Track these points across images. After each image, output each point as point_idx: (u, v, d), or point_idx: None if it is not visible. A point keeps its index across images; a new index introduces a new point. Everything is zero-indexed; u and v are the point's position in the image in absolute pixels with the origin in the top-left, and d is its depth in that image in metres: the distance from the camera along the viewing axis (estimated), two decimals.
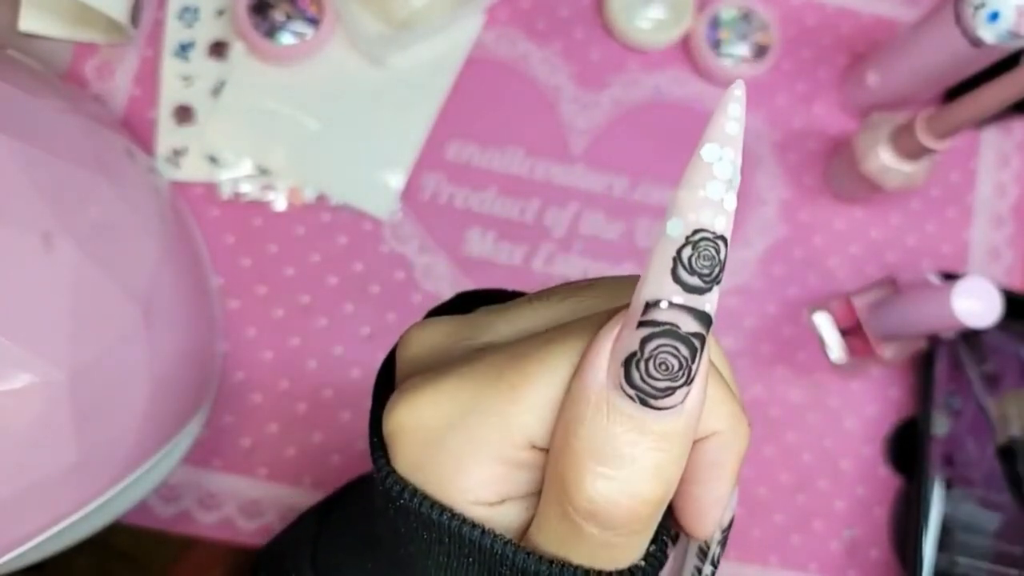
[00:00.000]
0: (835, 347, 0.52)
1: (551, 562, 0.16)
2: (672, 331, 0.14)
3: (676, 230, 0.14)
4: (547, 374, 0.16)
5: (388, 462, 0.18)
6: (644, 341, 0.15)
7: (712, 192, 0.14)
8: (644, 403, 0.15)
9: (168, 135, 0.50)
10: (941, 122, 0.44)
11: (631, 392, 0.15)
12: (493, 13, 0.54)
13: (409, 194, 0.51)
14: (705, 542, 0.19)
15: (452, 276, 0.51)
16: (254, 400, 0.49)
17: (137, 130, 0.50)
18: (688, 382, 0.15)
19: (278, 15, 0.49)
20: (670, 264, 0.14)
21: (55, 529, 0.34)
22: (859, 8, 0.57)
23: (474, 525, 0.17)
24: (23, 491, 0.32)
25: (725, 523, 0.19)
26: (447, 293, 0.51)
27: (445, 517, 0.17)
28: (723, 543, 0.19)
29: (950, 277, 0.47)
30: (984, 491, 0.49)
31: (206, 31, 0.51)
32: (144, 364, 0.36)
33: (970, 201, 0.56)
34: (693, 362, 0.15)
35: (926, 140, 0.45)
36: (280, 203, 0.50)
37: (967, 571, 0.48)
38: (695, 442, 0.17)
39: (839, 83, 0.56)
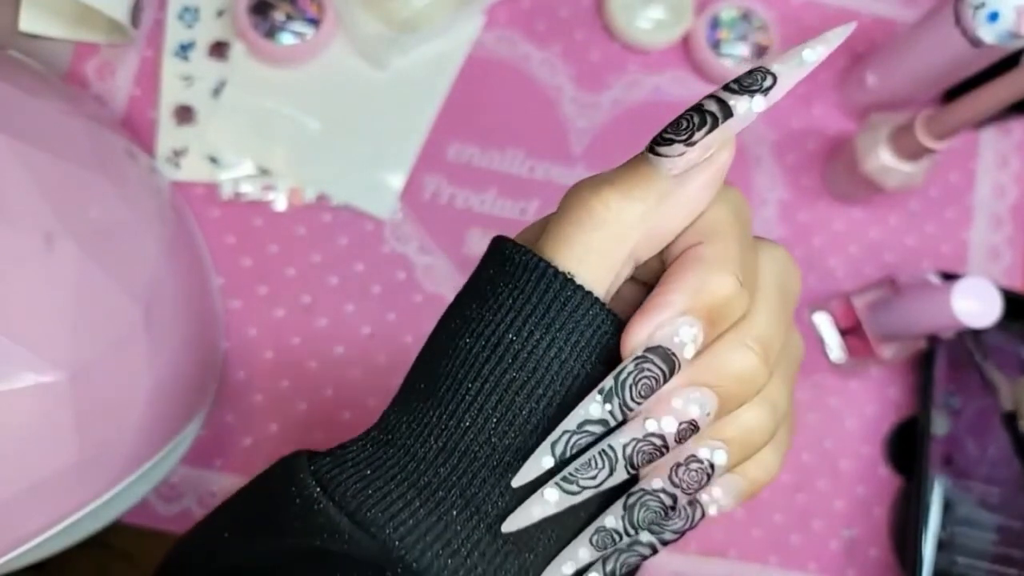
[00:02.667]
0: (835, 347, 0.52)
1: (515, 245, 0.19)
2: (701, 107, 0.18)
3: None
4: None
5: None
6: (689, 111, 0.18)
7: (782, 64, 0.18)
8: (651, 148, 0.18)
9: (169, 135, 0.50)
10: (940, 122, 0.44)
11: (654, 144, 0.18)
12: (493, 14, 0.54)
13: (410, 194, 0.52)
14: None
15: (453, 276, 0.51)
16: (255, 400, 0.49)
17: (138, 130, 0.50)
18: (686, 142, 0.18)
19: (278, 15, 0.49)
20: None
21: (56, 528, 0.34)
22: (859, 8, 0.57)
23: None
24: (24, 491, 0.32)
25: (684, 418, 0.18)
26: (448, 293, 0.51)
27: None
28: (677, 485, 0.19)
29: (949, 277, 0.47)
30: (984, 491, 0.50)
31: (206, 31, 0.51)
32: (145, 364, 0.36)
33: (969, 201, 0.56)
34: (699, 129, 0.18)
35: (925, 140, 0.45)
36: (281, 203, 0.50)
37: (966, 571, 0.48)
38: (673, 243, 0.19)
39: (838, 84, 0.56)
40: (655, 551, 0.20)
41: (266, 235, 0.50)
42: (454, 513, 0.19)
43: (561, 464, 0.18)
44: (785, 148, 0.55)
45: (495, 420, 0.18)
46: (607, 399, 0.17)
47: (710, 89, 0.55)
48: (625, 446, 0.18)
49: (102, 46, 0.50)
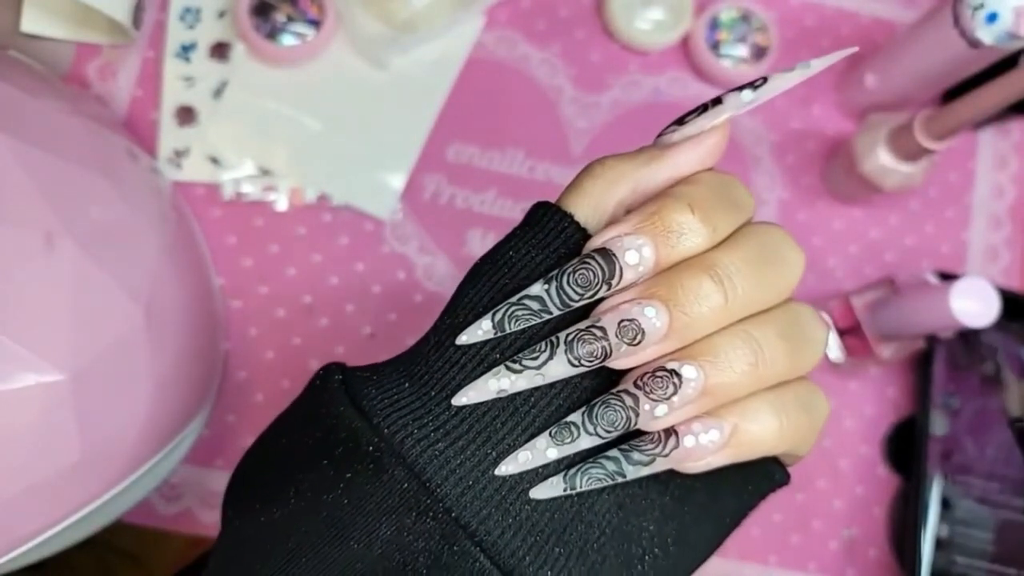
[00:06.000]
0: (834, 347, 0.52)
1: (541, 204, 0.22)
2: (707, 103, 0.21)
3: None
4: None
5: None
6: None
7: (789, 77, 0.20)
8: (661, 133, 0.22)
9: (170, 136, 0.50)
10: (939, 123, 0.44)
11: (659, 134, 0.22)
12: (493, 14, 0.54)
13: (410, 195, 0.52)
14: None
15: (453, 276, 0.51)
16: (256, 399, 0.49)
17: (139, 131, 0.50)
18: (678, 122, 0.21)
19: (279, 17, 0.49)
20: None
21: (57, 528, 0.34)
22: (858, 9, 0.57)
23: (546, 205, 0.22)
24: (25, 491, 0.32)
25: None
26: (448, 293, 0.51)
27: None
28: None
29: (948, 277, 0.47)
30: (983, 490, 0.50)
31: (207, 32, 0.51)
32: (146, 364, 0.37)
33: (968, 201, 0.56)
34: (689, 115, 0.21)
35: (924, 141, 0.45)
36: (281, 203, 0.50)
37: (965, 570, 0.49)
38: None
39: (837, 84, 0.56)
40: (622, 474, 0.20)
41: (267, 235, 0.50)
42: (432, 394, 0.21)
43: (504, 340, 0.21)
44: (785, 148, 0.55)
45: (481, 315, 0.21)
46: (547, 281, 0.20)
47: (709, 90, 0.56)
48: (568, 334, 0.20)
49: (104, 47, 0.51)
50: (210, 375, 0.45)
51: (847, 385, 0.53)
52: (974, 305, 0.43)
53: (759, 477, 0.23)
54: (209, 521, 0.48)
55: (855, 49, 0.20)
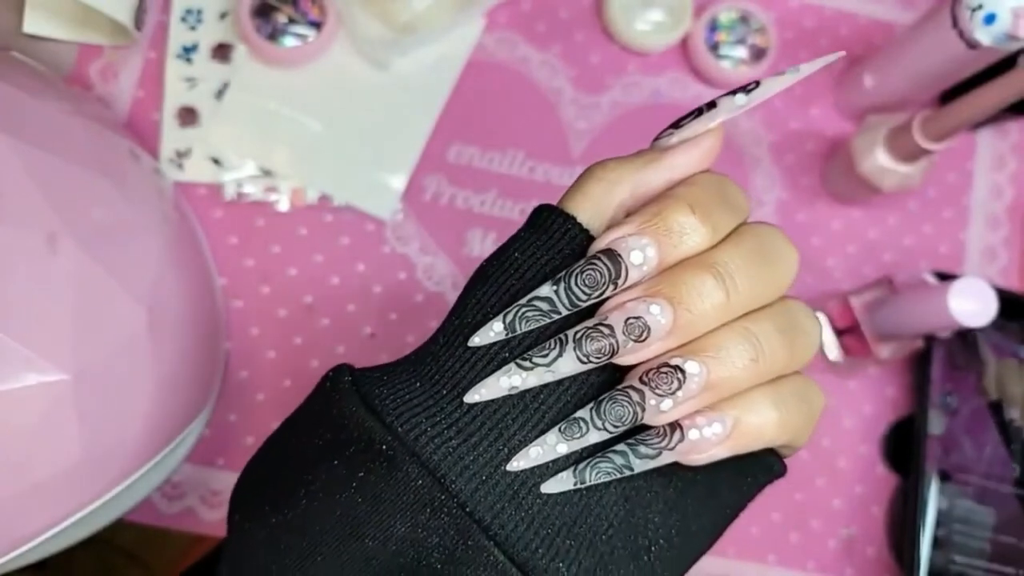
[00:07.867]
0: (832, 347, 0.52)
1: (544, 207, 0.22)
2: (701, 107, 0.21)
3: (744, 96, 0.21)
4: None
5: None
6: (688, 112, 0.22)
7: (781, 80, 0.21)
8: (655, 139, 0.22)
9: (172, 137, 0.50)
10: (937, 124, 0.44)
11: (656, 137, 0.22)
12: (493, 16, 0.54)
13: (411, 195, 0.52)
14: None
15: (453, 276, 0.51)
16: (257, 399, 0.49)
17: (141, 132, 0.50)
18: (674, 125, 0.22)
19: (281, 18, 0.50)
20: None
21: (59, 527, 0.34)
22: (857, 11, 0.57)
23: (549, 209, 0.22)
24: (27, 490, 0.32)
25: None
26: (448, 294, 0.51)
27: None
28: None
29: (946, 277, 0.47)
30: (981, 490, 0.50)
31: (209, 34, 0.51)
32: (148, 364, 0.37)
33: (966, 202, 0.56)
34: (685, 119, 0.21)
35: (923, 142, 0.45)
36: (283, 204, 0.51)
37: (964, 570, 0.49)
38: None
39: (836, 85, 0.56)
40: (630, 468, 0.21)
41: (268, 235, 0.50)
42: (443, 392, 0.21)
43: (513, 339, 0.21)
44: (784, 149, 0.55)
45: (489, 315, 0.21)
46: (555, 283, 0.20)
47: (709, 91, 0.56)
48: (576, 331, 0.20)
49: (106, 48, 0.51)
50: (211, 375, 0.45)
51: (846, 384, 0.53)
52: (972, 305, 0.43)
53: (758, 469, 0.24)
54: (210, 520, 0.48)
55: (842, 54, 0.21)
